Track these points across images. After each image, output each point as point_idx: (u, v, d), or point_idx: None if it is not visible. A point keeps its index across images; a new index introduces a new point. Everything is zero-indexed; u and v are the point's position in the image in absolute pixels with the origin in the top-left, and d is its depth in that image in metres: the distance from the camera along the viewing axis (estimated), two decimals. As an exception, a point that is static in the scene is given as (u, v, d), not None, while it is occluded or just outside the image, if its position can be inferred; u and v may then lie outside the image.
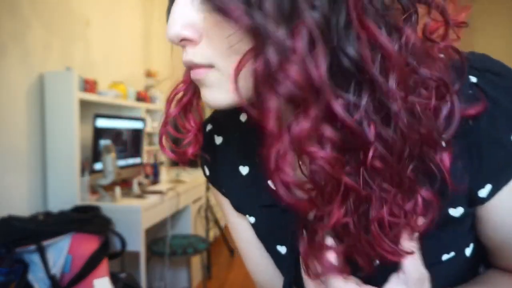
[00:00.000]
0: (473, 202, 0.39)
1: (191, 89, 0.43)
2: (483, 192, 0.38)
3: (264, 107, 0.28)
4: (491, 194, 0.38)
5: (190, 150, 0.44)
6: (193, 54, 0.34)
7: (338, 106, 0.29)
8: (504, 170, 0.37)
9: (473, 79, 0.37)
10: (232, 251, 3.63)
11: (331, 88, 0.29)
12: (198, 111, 0.45)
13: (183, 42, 0.34)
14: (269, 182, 0.46)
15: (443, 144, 0.35)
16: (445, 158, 0.34)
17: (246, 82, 0.32)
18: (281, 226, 0.46)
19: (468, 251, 0.42)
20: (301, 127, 0.28)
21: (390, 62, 0.30)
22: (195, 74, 0.36)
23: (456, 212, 0.39)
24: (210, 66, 0.34)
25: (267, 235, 0.51)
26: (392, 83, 0.30)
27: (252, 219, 0.52)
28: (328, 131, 0.29)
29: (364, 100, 0.31)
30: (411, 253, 0.35)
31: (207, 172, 0.56)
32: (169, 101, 0.44)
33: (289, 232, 0.38)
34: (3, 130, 1.81)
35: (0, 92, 1.80)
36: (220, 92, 0.35)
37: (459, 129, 0.34)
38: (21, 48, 1.92)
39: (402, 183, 0.33)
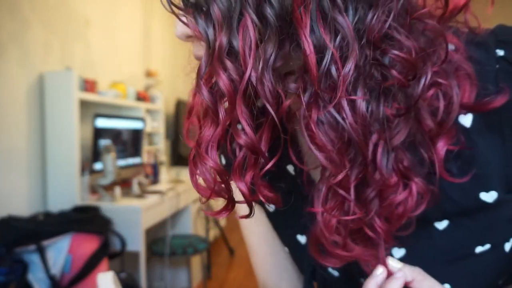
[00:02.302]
0: (510, 187, 0.35)
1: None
2: None
3: None
4: None
5: None
6: (200, 48, 0.35)
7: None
8: None
9: (500, 53, 0.34)
10: (232, 251, 3.63)
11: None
12: None
13: (190, 38, 0.35)
14: (288, 167, 0.45)
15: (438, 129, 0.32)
16: (440, 146, 0.32)
17: None
18: (302, 214, 0.44)
19: (508, 246, 0.37)
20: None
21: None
22: None
23: (489, 196, 0.35)
24: None
25: (287, 224, 0.50)
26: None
27: (272, 207, 0.51)
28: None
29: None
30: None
31: (223, 161, 0.53)
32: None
33: (309, 220, 0.37)
34: (3, 130, 1.81)
35: (0, 92, 1.80)
36: None
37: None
38: (21, 48, 1.92)
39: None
